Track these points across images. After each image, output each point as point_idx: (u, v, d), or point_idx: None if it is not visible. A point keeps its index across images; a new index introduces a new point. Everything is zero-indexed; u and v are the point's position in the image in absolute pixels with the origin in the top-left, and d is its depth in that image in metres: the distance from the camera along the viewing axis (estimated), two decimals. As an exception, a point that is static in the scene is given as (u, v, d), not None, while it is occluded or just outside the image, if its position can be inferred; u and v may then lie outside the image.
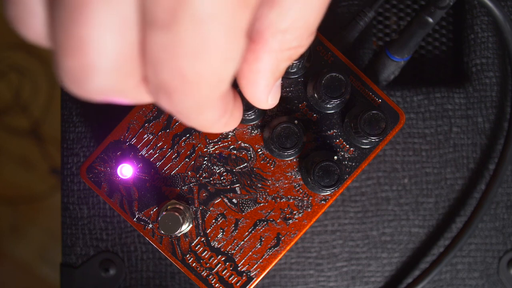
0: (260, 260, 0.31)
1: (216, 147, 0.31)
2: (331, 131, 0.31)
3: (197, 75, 0.14)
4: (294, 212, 0.31)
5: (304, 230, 0.31)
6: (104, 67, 0.14)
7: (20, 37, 0.16)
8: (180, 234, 0.30)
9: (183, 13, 0.13)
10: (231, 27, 0.14)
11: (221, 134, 0.31)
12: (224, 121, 0.18)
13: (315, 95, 0.30)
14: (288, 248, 0.31)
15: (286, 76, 0.30)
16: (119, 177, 0.30)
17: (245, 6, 0.14)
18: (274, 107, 0.31)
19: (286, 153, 0.29)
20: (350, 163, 0.30)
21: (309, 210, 0.31)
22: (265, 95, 0.20)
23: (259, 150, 0.31)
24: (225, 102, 0.17)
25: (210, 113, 0.17)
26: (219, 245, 0.31)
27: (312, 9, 0.17)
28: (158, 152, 0.31)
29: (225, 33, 0.14)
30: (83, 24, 0.13)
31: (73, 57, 0.14)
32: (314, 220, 0.31)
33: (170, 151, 0.31)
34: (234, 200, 0.31)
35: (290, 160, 0.31)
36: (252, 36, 0.18)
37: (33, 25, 0.15)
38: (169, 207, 0.29)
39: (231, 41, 0.14)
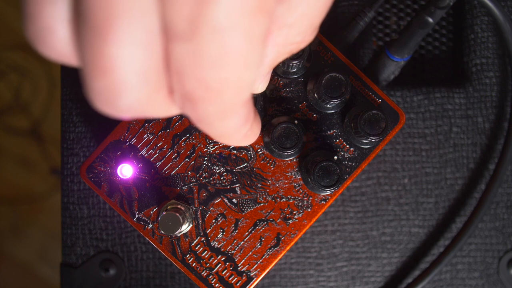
0: (260, 260, 0.31)
1: (216, 147, 0.31)
2: (331, 131, 0.31)
3: (220, 83, 0.15)
4: (294, 212, 0.31)
5: (304, 230, 0.31)
6: (134, 83, 0.14)
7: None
8: (180, 234, 0.30)
9: (203, 24, 0.13)
10: (250, 34, 0.14)
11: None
12: (245, 131, 0.19)
13: (315, 95, 0.30)
14: (288, 248, 0.31)
15: (286, 76, 0.31)
16: (119, 177, 0.30)
17: (263, 12, 0.14)
18: (274, 107, 0.31)
19: (286, 153, 0.29)
20: (350, 163, 0.30)
21: (309, 210, 0.31)
22: (258, 82, 0.21)
23: (259, 150, 0.31)
24: (247, 109, 0.18)
25: (233, 119, 0.17)
26: (219, 245, 0.31)
27: (318, 5, 0.17)
28: (158, 152, 0.31)
29: (244, 40, 0.14)
30: (110, 43, 0.13)
31: (103, 77, 0.14)
32: (314, 220, 0.31)
33: (170, 151, 0.31)
34: (234, 200, 0.31)
35: (290, 160, 0.31)
36: None
37: (55, 45, 0.15)
38: (169, 207, 0.29)
39: (251, 47, 0.14)
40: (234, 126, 0.17)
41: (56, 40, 0.15)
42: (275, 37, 0.18)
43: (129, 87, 0.14)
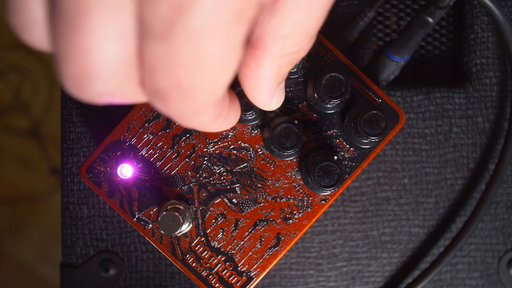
0: (260, 260, 0.31)
1: (216, 147, 0.31)
2: (331, 131, 0.31)
3: (192, 85, 0.15)
4: (294, 212, 0.31)
5: (304, 230, 0.31)
6: (104, 73, 0.15)
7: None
8: (180, 234, 0.30)
9: (179, 27, 0.13)
10: (227, 41, 0.14)
11: (221, 134, 0.31)
12: (219, 123, 0.19)
13: (315, 95, 0.30)
14: (288, 248, 0.31)
15: (286, 76, 0.30)
16: (119, 177, 0.30)
17: (241, 21, 0.14)
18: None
19: (286, 153, 0.29)
20: (350, 163, 0.30)
21: (309, 210, 0.31)
22: (269, 98, 0.20)
23: (259, 150, 0.31)
24: (219, 107, 0.18)
25: (204, 117, 0.17)
26: (219, 245, 0.31)
27: (313, 15, 0.17)
28: (158, 152, 0.31)
29: (220, 47, 0.14)
30: (83, 34, 0.14)
31: (74, 65, 0.14)
32: (314, 220, 0.31)
33: (170, 151, 0.31)
34: (234, 200, 0.31)
35: (290, 160, 0.31)
36: (253, 41, 0.18)
37: (35, 32, 0.16)
38: (169, 207, 0.29)
39: (226, 54, 0.15)
40: (205, 122, 0.18)
41: (36, 28, 0.15)
42: (271, 50, 0.18)
43: (98, 77, 0.15)
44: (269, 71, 0.19)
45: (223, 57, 0.15)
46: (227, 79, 0.16)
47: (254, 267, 0.31)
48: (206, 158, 0.31)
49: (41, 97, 1.22)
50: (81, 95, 0.16)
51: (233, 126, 0.31)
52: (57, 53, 0.15)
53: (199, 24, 0.13)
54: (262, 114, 0.30)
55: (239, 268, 0.31)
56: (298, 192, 0.31)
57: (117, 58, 0.15)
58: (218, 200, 0.31)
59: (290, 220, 0.31)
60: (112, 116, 0.37)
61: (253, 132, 0.31)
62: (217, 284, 0.30)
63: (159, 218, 0.28)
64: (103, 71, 0.15)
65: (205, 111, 0.17)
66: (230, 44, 0.14)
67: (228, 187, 0.31)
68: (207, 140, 0.31)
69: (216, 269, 0.31)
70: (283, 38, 0.17)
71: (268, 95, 0.20)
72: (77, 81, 0.15)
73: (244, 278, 0.31)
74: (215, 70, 0.15)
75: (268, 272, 0.33)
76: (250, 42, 0.18)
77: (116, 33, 0.14)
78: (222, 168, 0.31)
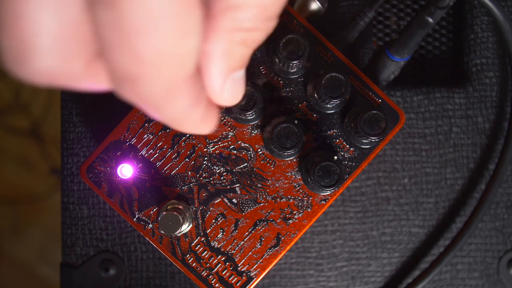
0: (260, 260, 0.31)
1: (216, 147, 0.31)
2: (331, 131, 0.31)
3: (153, 54, 0.13)
4: (294, 212, 0.31)
5: (304, 230, 0.31)
6: (43, 46, 0.13)
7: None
8: (180, 234, 0.30)
9: None
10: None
11: (221, 134, 0.31)
12: (200, 113, 0.17)
13: (315, 95, 0.30)
14: (288, 248, 0.31)
15: (286, 76, 0.31)
16: (119, 177, 0.30)
17: None
18: (273, 107, 0.30)
19: (286, 153, 0.29)
20: (350, 163, 0.30)
21: (309, 210, 0.31)
22: (218, 84, 0.17)
23: (259, 150, 0.31)
24: (194, 87, 0.16)
25: (179, 100, 0.15)
26: (219, 245, 0.31)
27: None
28: (158, 152, 0.31)
29: (170, 4, 0.13)
30: None
31: (9, 35, 0.13)
32: (314, 220, 0.31)
33: (170, 151, 0.31)
34: (234, 200, 0.31)
35: (290, 160, 0.31)
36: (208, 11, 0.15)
37: None
38: (169, 207, 0.29)
39: (181, 9, 0.13)
40: (182, 108, 0.16)
41: None
42: (219, 21, 0.15)
43: (37, 49, 0.13)
44: (218, 48, 0.16)
45: (178, 14, 0.13)
46: (192, 44, 0.14)
47: (254, 267, 0.31)
48: (206, 158, 0.31)
49: (41, 97, 1.22)
50: (22, 72, 0.14)
51: (233, 126, 0.31)
52: None
53: None
54: (262, 114, 0.30)
55: (239, 268, 0.31)
56: (298, 192, 0.31)
57: (57, 28, 0.13)
58: (218, 200, 0.31)
59: (290, 220, 0.31)
60: (112, 116, 0.37)
61: (253, 132, 0.31)
62: (217, 284, 0.30)
63: (159, 218, 0.28)
64: (42, 42, 0.13)
65: (178, 90, 0.15)
66: (181, 3, 0.13)
67: (228, 187, 0.31)
68: (207, 140, 0.31)
69: (216, 269, 0.31)
70: (234, 9, 0.15)
71: (217, 81, 0.17)
72: (14, 54, 0.13)
73: (244, 278, 0.31)
74: (174, 32, 0.13)
75: (268, 272, 0.33)
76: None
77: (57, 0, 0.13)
78: (222, 168, 0.31)
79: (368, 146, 0.30)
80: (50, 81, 0.14)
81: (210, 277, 0.30)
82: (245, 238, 0.31)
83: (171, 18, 0.13)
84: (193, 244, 0.31)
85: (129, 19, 0.13)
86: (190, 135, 0.31)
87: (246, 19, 0.15)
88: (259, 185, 0.31)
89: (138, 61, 0.13)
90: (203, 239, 0.31)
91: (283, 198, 0.31)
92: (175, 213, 0.28)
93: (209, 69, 0.17)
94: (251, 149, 0.31)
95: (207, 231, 0.31)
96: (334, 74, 0.28)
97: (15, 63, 0.14)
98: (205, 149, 0.31)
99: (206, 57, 0.16)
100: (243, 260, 0.31)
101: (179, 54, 0.14)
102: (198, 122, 0.17)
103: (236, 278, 0.31)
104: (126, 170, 0.30)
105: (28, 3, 0.13)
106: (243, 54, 0.17)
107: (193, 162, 0.31)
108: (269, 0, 0.15)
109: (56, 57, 0.14)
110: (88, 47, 0.14)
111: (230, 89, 0.18)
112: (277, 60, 0.29)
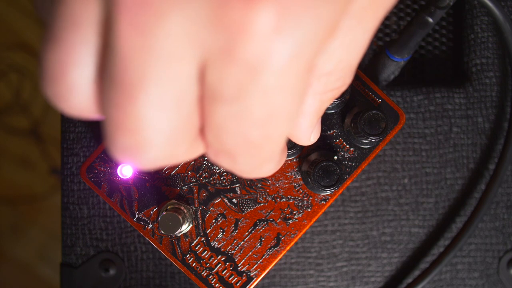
0: (260, 260, 0.31)
1: (216, 147, 0.31)
2: (331, 131, 0.31)
3: (263, 139, 0.15)
4: (294, 212, 0.31)
5: (304, 230, 0.31)
6: (158, 142, 0.14)
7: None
8: (180, 234, 0.30)
9: (253, 87, 0.13)
10: (297, 90, 0.14)
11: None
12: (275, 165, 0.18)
13: (315, 95, 0.30)
14: (288, 248, 0.31)
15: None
16: (119, 177, 0.30)
17: (309, 70, 0.14)
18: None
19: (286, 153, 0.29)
20: (350, 163, 0.30)
21: (309, 210, 0.31)
22: (308, 134, 0.20)
23: (259, 150, 0.31)
24: (282, 153, 0.18)
25: (269, 166, 0.17)
26: (219, 245, 0.31)
27: (355, 50, 0.17)
28: (158, 152, 0.31)
29: (291, 97, 0.14)
30: (136, 104, 0.13)
31: (126, 136, 0.14)
32: (314, 220, 0.31)
33: (170, 151, 0.31)
34: (234, 200, 0.31)
35: (290, 160, 0.31)
36: None
37: (78, 104, 0.15)
38: (169, 207, 0.29)
39: (295, 102, 0.14)
40: (270, 170, 0.17)
41: (79, 99, 0.14)
42: (315, 87, 0.17)
43: (152, 145, 0.14)
44: (311, 108, 0.18)
45: (292, 106, 0.14)
46: (291, 123, 0.15)
47: (254, 267, 0.31)
48: (206, 158, 0.31)
49: (41, 97, 1.22)
50: (133, 163, 0.15)
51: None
52: (108, 122, 0.14)
53: (273, 81, 0.13)
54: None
55: (239, 268, 0.31)
56: (298, 192, 0.31)
57: (173, 125, 0.14)
58: (218, 200, 0.31)
59: (290, 220, 0.31)
60: (112, 116, 0.37)
61: (253, 132, 0.31)
62: (217, 284, 0.30)
63: (159, 218, 0.28)
64: (158, 139, 0.14)
65: (271, 160, 0.17)
66: (298, 92, 0.14)
67: (228, 187, 0.31)
68: (207, 140, 0.31)
69: (216, 269, 0.31)
70: (326, 75, 0.17)
71: (308, 131, 0.20)
72: (130, 151, 0.14)
73: (244, 278, 0.31)
74: (284, 120, 0.14)
75: (268, 272, 0.33)
76: None
77: (172, 101, 0.13)
78: (222, 168, 0.31)
79: (368, 146, 0.30)
80: (157, 165, 0.15)
81: (210, 277, 0.31)
82: (245, 238, 0.31)
83: (287, 110, 0.14)
84: (193, 244, 0.31)
85: (251, 114, 0.14)
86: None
87: (336, 79, 0.17)
88: (259, 185, 0.31)
89: (247, 144, 0.15)
90: (203, 239, 0.31)
91: (283, 198, 0.31)
92: (175, 213, 0.28)
93: (301, 124, 0.19)
94: (251, 149, 0.31)
95: (207, 231, 0.31)
96: (334, 74, 0.28)
97: (129, 157, 0.15)
98: (205, 149, 0.31)
99: (300, 116, 0.19)
100: (243, 260, 0.31)
101: (282, 136, 0.15)
102: (271, 172, 0.18)
103: (236, 278, 0.31)
104: (126, 170, 0.30)
105: (149, 108, 0.13)
106: (328, 105, 0.19)
107: (193, 162, 0.31)
108: (355, 60, 0.17)
109: (167, 149, 0.14)
110: (193, 133, 0.15)
111: (316, 132, 0.21)
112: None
